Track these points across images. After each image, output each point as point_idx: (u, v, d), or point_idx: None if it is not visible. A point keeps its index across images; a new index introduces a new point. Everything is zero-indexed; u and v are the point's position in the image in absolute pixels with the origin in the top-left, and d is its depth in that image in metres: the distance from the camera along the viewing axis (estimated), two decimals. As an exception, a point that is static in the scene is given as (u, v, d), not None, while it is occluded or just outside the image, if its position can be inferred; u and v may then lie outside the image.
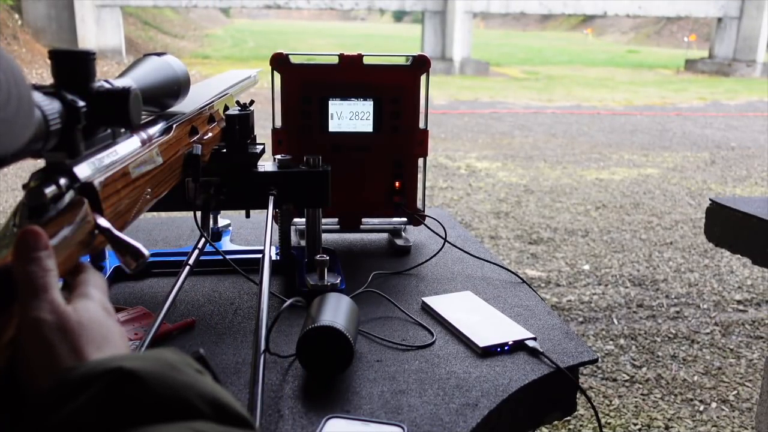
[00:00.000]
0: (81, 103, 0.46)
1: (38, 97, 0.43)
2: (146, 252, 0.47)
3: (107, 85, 0.51)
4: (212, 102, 0.89)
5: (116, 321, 0.42)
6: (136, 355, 0.36)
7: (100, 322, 0.39)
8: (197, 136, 0.80)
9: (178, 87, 0.72)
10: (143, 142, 0.62)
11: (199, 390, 0.34)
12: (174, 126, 0.71)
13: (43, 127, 0.42)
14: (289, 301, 0.76)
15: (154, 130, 0.66)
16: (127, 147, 0.58)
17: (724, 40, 15.40)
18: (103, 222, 0.48)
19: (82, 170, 0.48)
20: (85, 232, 0.46)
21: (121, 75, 0.62)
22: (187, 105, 0.79)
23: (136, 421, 0.31)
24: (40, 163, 0.47)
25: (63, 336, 0.37)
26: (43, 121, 0.42)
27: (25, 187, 0.44)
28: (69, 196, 0.46)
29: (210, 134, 0.86)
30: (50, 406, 0.32)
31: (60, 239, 0.42)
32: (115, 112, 0.50)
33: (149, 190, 0.61)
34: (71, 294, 0.42)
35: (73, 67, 0.48)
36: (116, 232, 0.48)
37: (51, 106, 0.43)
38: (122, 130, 0.57)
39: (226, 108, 0.95)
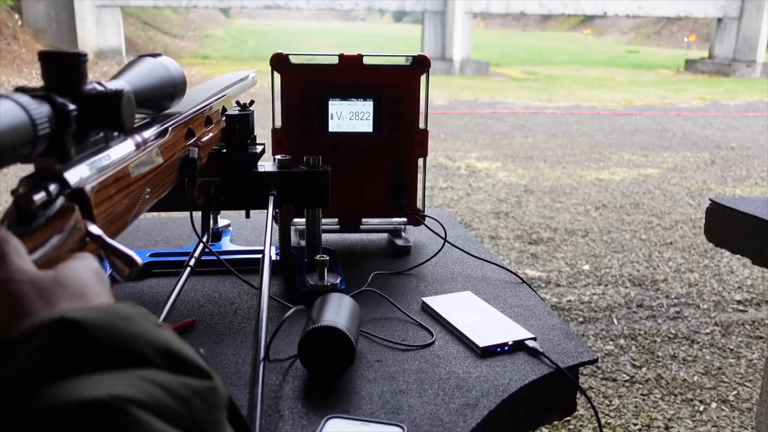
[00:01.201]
0: (71, 107, 0.45)
1: (26, 100, 0.41)
2: (139, 259, 0.45)
3: (99, 88, 0.49)
4: (209, 104, 0.89)
5: (106, 286, 0.40)
6: (86, 306, 0.34)
7: (81, 280, 0.38)
8: (194, 139, 0.79)
9: (173, 89, 0.71)
10: (137, 146, 0.60)
11: (150, 339, 0.33)
12: (170, 128, 0.70)
13: (31, 132, 0.40)
14: (291, 310, 0.75)
15: (148, 132, 0.65)
16: (121, 151, 0.56)
17: (724, 41, 15.40)
18: (94, 229, 0.46)
19: (73, 176, 0.47)
20: (75, 240, 0.45)
21: (115, 77, 0.61)
22: (183, 107, 0.78)
23: (76, 371, 0.30)
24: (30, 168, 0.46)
25: (34, 292, 0.35)
26: (30, 125, 0.40)
27: (13, 193, 0.43)
28: (59, 202, 0.45)
29: (207, 136, 0.85)
30: None
31: (49, 248, 0.41)
32: (107, 115, 0.49)
33: (148, 190, 0.61)
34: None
35: (63, 69, 0.46)
36: (108, 240, 0.46)
37: (39, 110, 0.42)
38: (115, 133, 0.56)
39: (224, 110, 0.95)
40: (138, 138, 0.62)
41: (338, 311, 0.76)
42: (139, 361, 0.31)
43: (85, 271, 0.39)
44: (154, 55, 0.70)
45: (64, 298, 0.36)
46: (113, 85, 0.51)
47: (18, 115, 0.40)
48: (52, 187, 0.44)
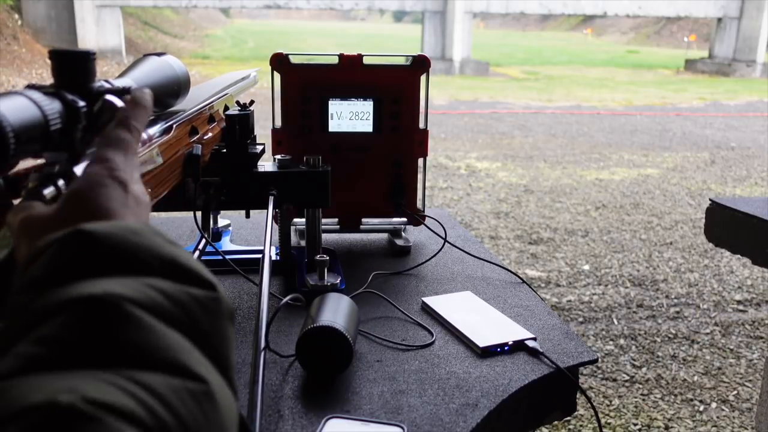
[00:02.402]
0: (81, 103, 0.46)
1: (38, 96, 0.43)
2: None
3: (107, 85, 0.51)
4: (212, 102, 0.89)
5: (132, 190, 0.43)
6: (103, 222, 0.37)
7: (102, 193, 0.41)
8: (197, 136, 0.80)
9: (178, 87, 0.72)
10: (143, 142, 0.62)
11: (158, 252, 0.35)
12: (174, 126, 0.71)
13: (44, 127, 0.42)
14: (288, 297, 0.76)
15: (154, 129, 0.66)
16: None
17: (724, 40, 15.41)
18: None
19: (82, 171, 0.48)
20: None
21: (121, 75, 0.62)
22: (187, 105, 0.79)
23: (84, 276, 0.32)
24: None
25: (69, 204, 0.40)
26: (43, 121, 0.42)
27: (23, 187, 0.44)
28: None
29: (210, 134, 0.86)
30: (21, 272, 0.35)
31: None
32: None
33: (149, 190, 0.61)
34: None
35: (73, 67, 0.48)
36: None
37: (51, 106, 0.43)
38: None
39: (226, 108, 0.95)
40: (144, 134, 0.63)
41: (336, 311, 0.76)
42: (144, 270, 0.34)
43: (100, 178, 0.42)
44: (159, 54, 0.71)
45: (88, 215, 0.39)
46: (120, 83, 0.53)
47: (31, 111, 0.41)
48: (61, 182, 0.45)
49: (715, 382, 2.16)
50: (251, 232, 1.26)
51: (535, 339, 0.83)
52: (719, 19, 15.50)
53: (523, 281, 1.05)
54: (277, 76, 1.11)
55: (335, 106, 1.13)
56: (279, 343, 0.81)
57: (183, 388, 0.29)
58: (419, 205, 1.22)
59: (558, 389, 0.79)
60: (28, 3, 12.35)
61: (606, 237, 3.66)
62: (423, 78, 1.14)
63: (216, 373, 0.32)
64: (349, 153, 1.15)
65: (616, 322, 2.59)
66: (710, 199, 1.55)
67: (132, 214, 0.41)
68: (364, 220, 1.21)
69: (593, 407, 0.77)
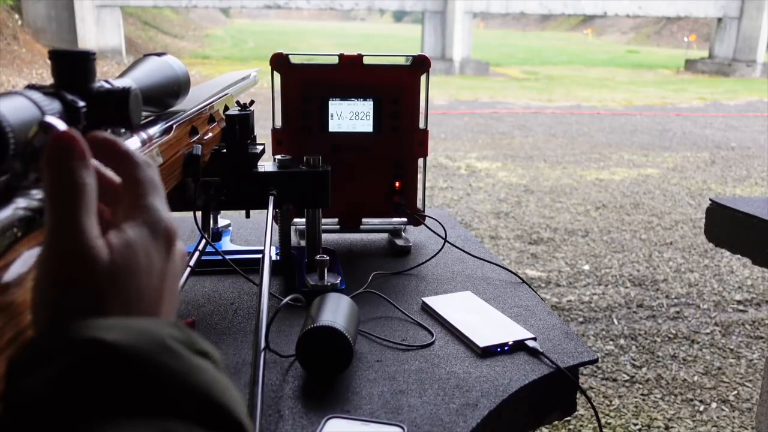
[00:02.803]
0: (81, 104, 0.46)
1: (38, 97, 0.42)
2: None
3: (107, 86, 0.51)
4: (212, 102, 0.89)
5: (167, 272, 0.35)
6: (130, 325, 0.30)
7: (138, 272, 0.33)
8: (197, 136, 0.80)
9: (178, 87, 0.72)
10: (143, 142, 0.62)
11: (191, 383, 0.29)
12: (174, 126, 0.71)
13: None
14: (288, 297, 0.76)
15: (154, 130, 0.66)
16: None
17: (724, 40, 15.40)
18: None
19: None
20: None
21: (121, 75, 0.62)
22: (187, 105, 0.79)
23: (99, 410, 0.27)
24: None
25: (84, 281, 0.31)
26: None
27: (24, 187, 0.44)
28: None
29: (210, 134, 0.86)
30: (23, 364, 0.28)
31: None
32: (116, 112, 0.50)
33: None
34: (117, 215, 0.35)
35: (73, 67, 0.48)
36: None
37: (51, 107, 0.43)
38: (122, 130, 0.57)
39: (227, 108, 0.95)
40: (144, 135, 0.63)
41: (336, 311, 0.76)
42: (171, 410, 0.28)
43: (141, 254, 0.33)
44: (159, 54, 0.71)
45: (113, 298, 0.32)
46: (121, 83, 0.53)
47: (31, 111, 0.41)
48: None
49: (715, 382, 2.16)
50: (251, 232, 1.26)
51: (535, 339, 0.83)
52: (719, 19, 15.50)
53: (523, 281, 1.05)
54: (277, 76, 1.11)
55: (335, 106, 1.13)
56: (279, 343, 0.81)
57: None
58: (419, 205, 1.22)
59: (558, 389, 0.79)
60: (28, 3, 12.34)
61: (606, 237, 3.66)
62: (423, 78, 1.14)
63: None
64: (349, 153, 1.15)
65: (616, 322, 2.59)
66: (710, 199, 1.55)
67: (167, 301, 0.35)
68: (364, 220, 1.21)
69: (593, 407, 0.77)
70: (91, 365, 0.28)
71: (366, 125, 1.14)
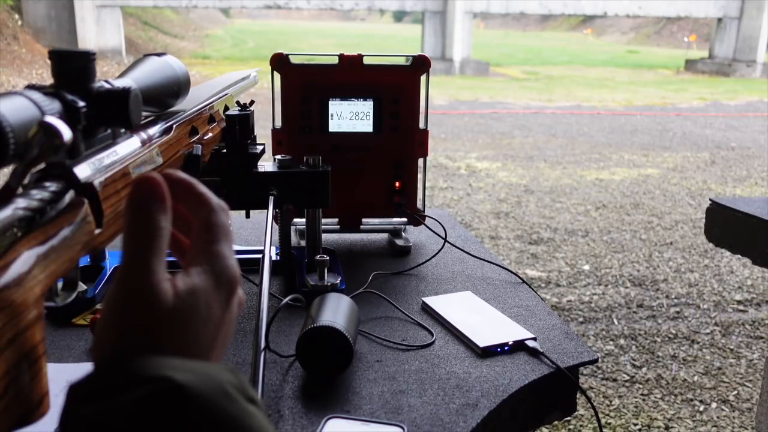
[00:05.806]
0: (81, 104, 0.46)
1: (38, 97, 0.43)
2: None
3: (107, 86, 0.51)
4: (212, 102, 0.89)
5: (224, 320, 0.37)
6: (194, 368, 0.31)
7: (198, 319, 0.35)
8: (197, 137, 0.80)
9: (178, 87, 0.72)
10: (143, 142, 0.62)
11: (244, 427, 0.31)
12: (174, 126, 0.71)
13: None
14: (288, 297, 0.76)
15: (154, 130, 0.66)
16: (128, 147, 0.58)
17: (724, 41, 15.40)
18: None
19: (82, 171, 0.48)
20: (85, 233, 0.46)
21: (121, 75, 0.62)
22: (187, 105, 0.79)
23: None
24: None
25: (146, 320, 0.33)
26: None
27: (24, 187, 0.44)
28: (69, 196, 0.46)
29: (210, 134, 0.86)
30: (84, 392, 0.30)
31: (60, 240, 0.42)
32: (116, 112, 0.50)
33: None
34: (187, 255, 0.37)
35: (73, 67, 0.48)
36: None
37: (51, 107, 0.43)
38: (122, 130, 0.57)
39: (227, 108, 0.95)
40: (144, 135, 0.63)
41: (336, 311, 0.76)
42: None
43: (203, 302, 0.35)
44: (159, 54, 0.71)
45: (171, 340, 0.33)
46: (120, 83, 0.53)
47: (31, 111, 0.41)
48: (60, 183, 0.45)
49: (715, 382, 2.16)
50: (251, 232, 1.26)
51: (535, 339, 0.83)
52: (719, 19, 15.50)
53: (523, 281, 1.05)
54: (277, 76, 1.11)
55: (335, 106, 1.13)
56: (279, 343, 0.81)
57: None
58: (419, 205, 1.22)
59: (558, 389, 0.79)
60: (28, 3, 12.34)
61: (606, 237, 3.66)
62: (423, 78, 1.14)
63: None
64: (349, 153, 1.15)
65: (616, 322, 2.59)
66: (710, 199, 1.55)
67: (220, 346, 0.37)
68: (364, 220, 1.21)
69: (593, 407, 0.77)
70: (163, 402, 0.29)
71: (366, 125, 1.14)
